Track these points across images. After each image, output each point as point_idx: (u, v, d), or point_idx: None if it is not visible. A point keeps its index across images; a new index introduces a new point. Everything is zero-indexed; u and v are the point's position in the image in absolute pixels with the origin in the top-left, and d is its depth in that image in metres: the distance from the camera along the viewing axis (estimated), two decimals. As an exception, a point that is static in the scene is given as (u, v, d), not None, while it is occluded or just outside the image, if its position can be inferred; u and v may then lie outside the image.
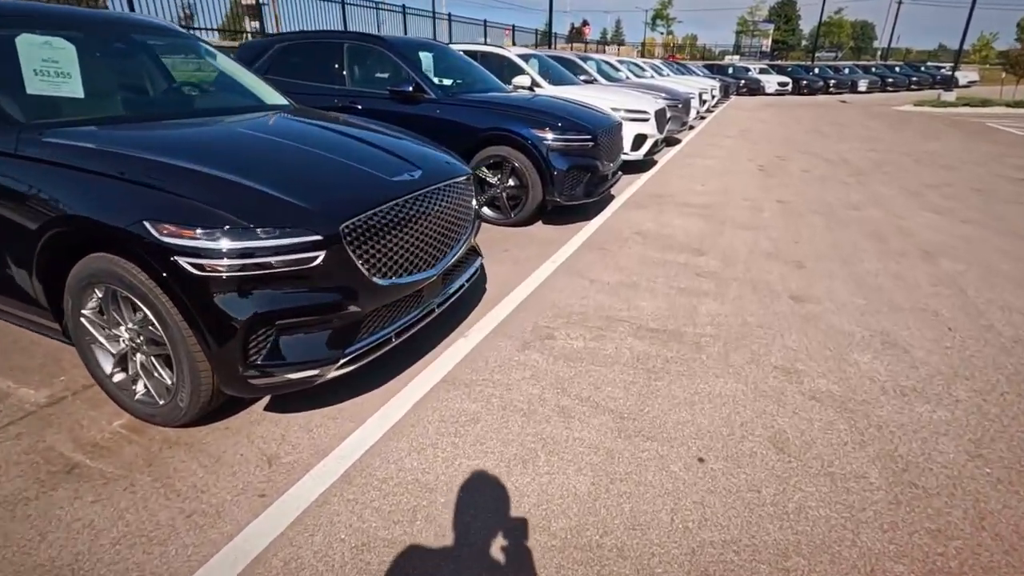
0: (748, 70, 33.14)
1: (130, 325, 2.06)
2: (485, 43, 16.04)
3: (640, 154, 7.33)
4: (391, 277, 2.24)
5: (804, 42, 76.45)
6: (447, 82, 5.72)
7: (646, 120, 7.24)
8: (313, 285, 1.98)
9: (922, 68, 40.23)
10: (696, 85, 14.40)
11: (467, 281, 2.92)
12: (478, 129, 4.78)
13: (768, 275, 4.03)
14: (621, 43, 65.39)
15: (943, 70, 40.51)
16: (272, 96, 3.50)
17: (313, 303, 2.00)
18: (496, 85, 6.04)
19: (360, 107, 5.11)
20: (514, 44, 25.29)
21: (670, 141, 10.56)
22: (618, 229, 5.07)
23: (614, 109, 7.03)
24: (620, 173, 5.88)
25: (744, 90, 31.06)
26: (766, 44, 67.16)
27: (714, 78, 21.83)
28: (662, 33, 62.86)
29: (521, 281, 3.79)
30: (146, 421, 2.19)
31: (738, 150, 10.10)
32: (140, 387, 2.15)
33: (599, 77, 10.23)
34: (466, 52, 7.66)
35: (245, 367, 1.92)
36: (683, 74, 19.51)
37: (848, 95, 32.93)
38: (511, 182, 4.84)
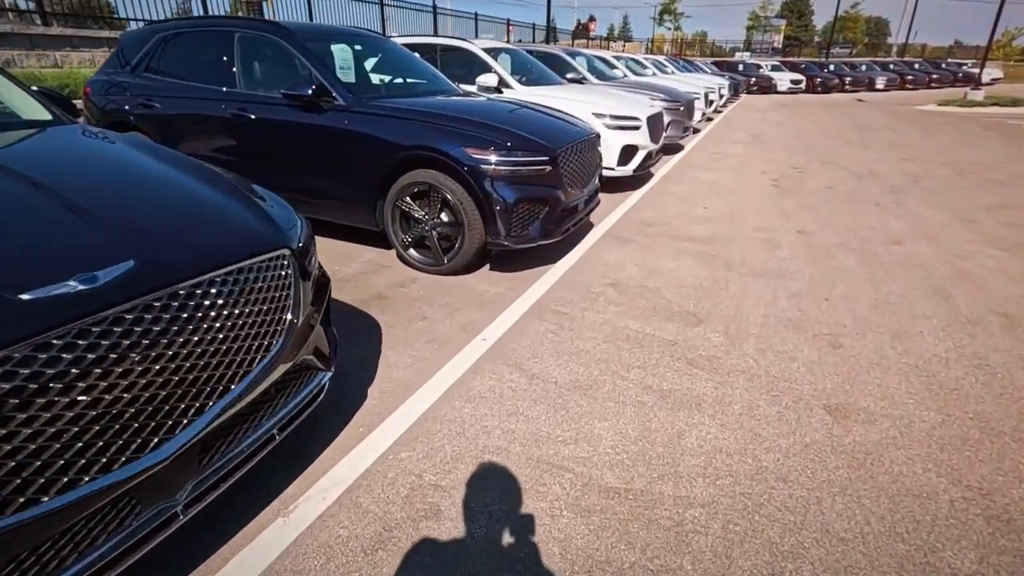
0: (759, 67, 31.65)
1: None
2: (474, 39, 14.83)
3: (629, 169, 6.08)
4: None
5: (817, 38, 74.47)
6: (375, 82, 4.50)
7: (637, 128, 5.98)
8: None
9: (942, 65, 38.47)
10: (702, 84, 13.08)
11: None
12: (398, 147, 3.56)
13: (791, 363, 2.78)
14: (628, 39, 63.73)
15: (965, 67, 38.80)
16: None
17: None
18: (444, 87, 4.81)
19: (252, 116, 3.91)
20: (508, 40, 23.99)
21: (670, 149, 9.28)
22: (588, 279, 3.83)
23: (597, 115, 5.79)
24: (598, 198, 4.64)
25: (755, 88, 29.60)
26: (778, 40, 65.30)
27: (723, 76, 20.46)
28: (669, 29, 61.29)
29: (421, 384, 2.56)
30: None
31: (749, 159, 8.80)
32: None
33: (589, 75, 8.96)
34: (420, 45, 6.44)
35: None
36: (689, 72, 18.16)
37: (865, 93, 31.34)
38: (443, 217, 3.63)
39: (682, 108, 8.70)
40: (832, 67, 33.36)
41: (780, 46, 64.49)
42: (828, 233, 4.97)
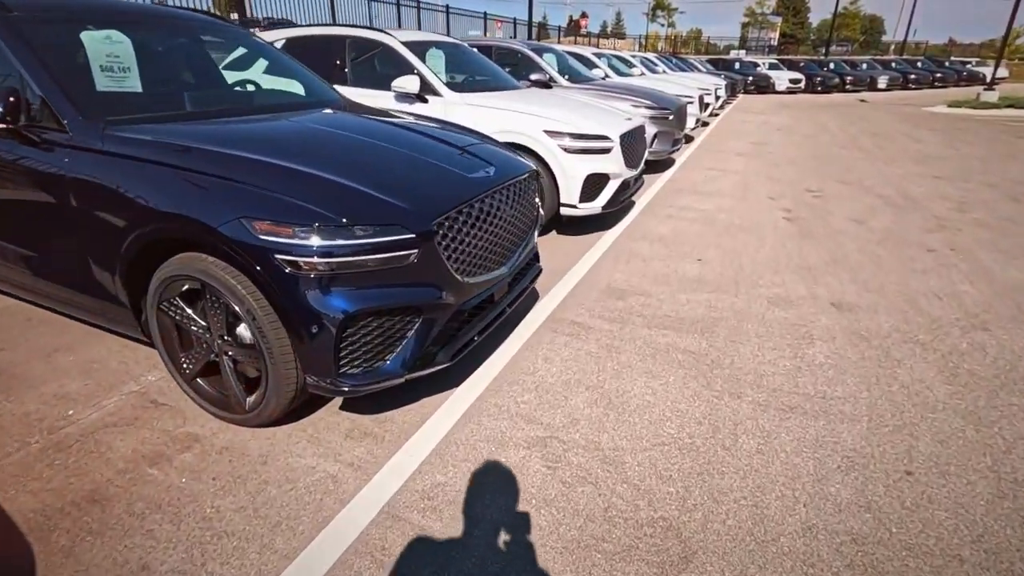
0: (756, 65, 30.14)
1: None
2: (447, 34, 13.30)
3: (597, 206, 4.49)
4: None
5: (812, 36, 73.07)
6: (131, 93, 2.89)
7: (606, 150, 4.40)
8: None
9: (946, 63, 37.07)
10: (696, 85, 11.52)
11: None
12: (140, 217, 1.98)
13: None
14: (621, 36, 62.08)
15: (969, 65, 37.46)
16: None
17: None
18: (314, 99, 3.23)
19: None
20: (486, 36, 22.37)
21: (658, 165, 7.72)
22: (503, 433, 2.25)
23: (552, 134, 4.22)
24: (537, 269, 3.05)
25: (752, 88, 28.09)
26: (773, 38, 63.84)
27: (719, 75, 18.91)
28: (663, 25, 59.77)
29: None
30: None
31: (752, 178, 7.24)
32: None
33: (560, 77, 7.37)
34: (313, 39, 4.87)
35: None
36: (683, 71, 16.62)
37: (866, 93, 29.88)
38: (239, 333, 2.04)
39: (672, 116, 7.13)
40: (832, 65, 31.87)
41: (776, 43, 63.03)
42: (878, 309, 3.42)
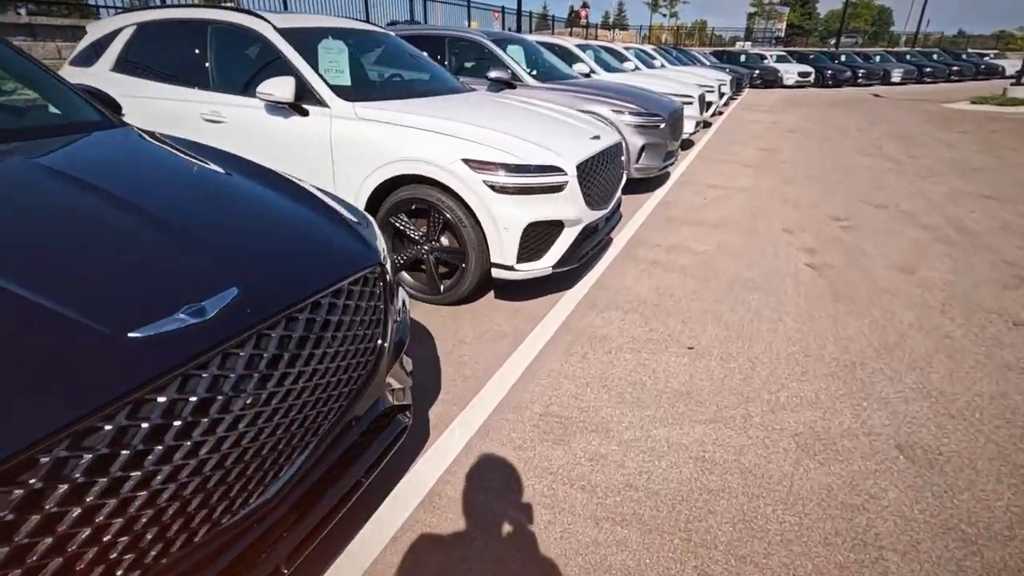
0: (763, 58, 28.58)
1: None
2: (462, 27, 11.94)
3: (543, 265, 3.10)
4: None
5: (820, 27, 71.07)
6: None
7: (557, 188, 3.04)
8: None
9: (963, 56, 35.35)
10: (697, 81, 10.13)
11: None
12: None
13: None
14: (624, 27, 60.24)
15: (987, 58, 35.79)
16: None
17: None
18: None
19: None
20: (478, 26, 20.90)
21: (646, 184, 6.36)
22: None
23: (474, 164, 2.90)
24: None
25: (759, 82, 26.58)
26: (780, 29, 61.90)
27: (723, 69, 17.45)
28: (664, 15, 57.99)
29: None
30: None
31: (763, 199, 5.89)
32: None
33: (526, 75, 6.01)
34: (148, 24, 3.56)
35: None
36: (684, 64, 15.20)
37: (880, 87, 28.32)
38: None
39: (664, 124, 5.77)
40: (843, 58, 30.26)
41: (783, 35, 61.08)
42: (974, 463, 2.09)
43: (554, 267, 3.12)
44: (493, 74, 5.43)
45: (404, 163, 2.98)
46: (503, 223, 2.89)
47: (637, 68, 10.55)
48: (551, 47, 7.69)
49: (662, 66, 12.60)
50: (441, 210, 2.98)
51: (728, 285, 3.72)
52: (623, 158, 4.07)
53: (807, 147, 9.35)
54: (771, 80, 26.83)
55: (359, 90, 3.50)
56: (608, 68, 9.11)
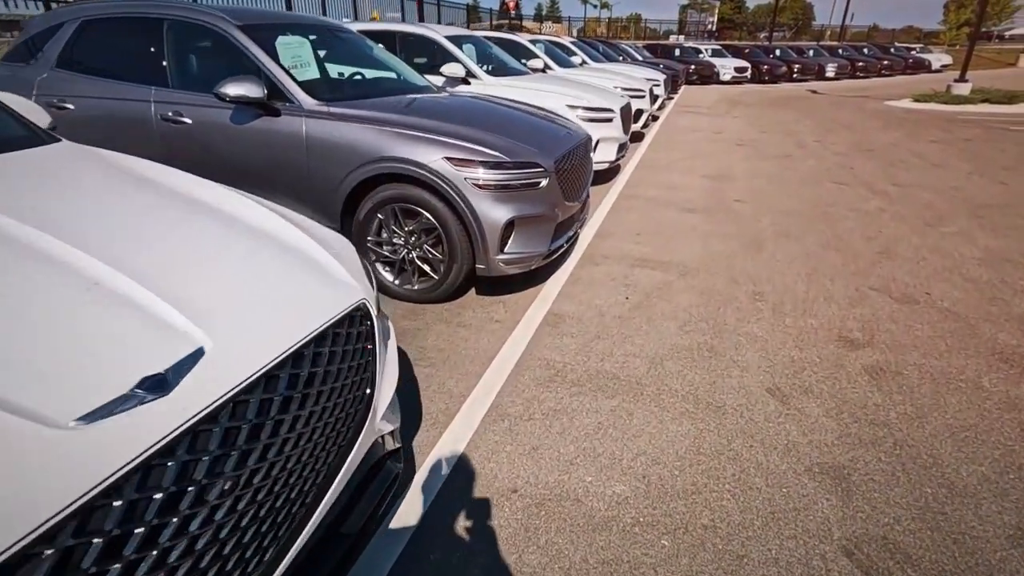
0: (699, 52, 27.05)
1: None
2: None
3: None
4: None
5: (748, 21, 71.75)
6: None
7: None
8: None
9: (891, 50, 35.25)
10: (627, 82, 7.83)
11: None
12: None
13: None
14: (557, 20, 58.17)
15: (914, 52, 35.90)
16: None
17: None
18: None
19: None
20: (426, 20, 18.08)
21: (538, 272, 3.89)
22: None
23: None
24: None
25: (695, 78, 24.95)
26: (712, 22, 61.75)
27: (658, 66, 15.35)
28: (596, 7, 56.50)
29: None
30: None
31: (720, 300, 3.56)
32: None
33: (302, 91, 3.40)
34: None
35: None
36: (612, 61, 12.97)
37: (815, 82, 27.37)
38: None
39: (546, 182, 3.29)
40: (778, 52, 29.19)
41: (714, 28, 60.89)
42: None
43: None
44: (229, 91, 2.86)
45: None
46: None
47: (547, 69, 8.11)
48: (363, 38, 5.01)
49: (582, 64, 10.25)
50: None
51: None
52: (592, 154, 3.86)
53: (764, 171, 7.20)
54: (708, 76, 25.25)
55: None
56: (503, 72, 6.59)
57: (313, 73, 3.62)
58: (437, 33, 5.74)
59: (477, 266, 3.03)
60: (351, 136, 2.99)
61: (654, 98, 10.10)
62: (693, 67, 24.73)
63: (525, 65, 7.47)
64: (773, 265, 4.06)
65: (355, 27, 5.55)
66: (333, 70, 4.05)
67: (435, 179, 2.90)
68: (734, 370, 2.73)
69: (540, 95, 5.50)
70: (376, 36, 5.64)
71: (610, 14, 58.51)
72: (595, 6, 55.38)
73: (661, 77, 11.24)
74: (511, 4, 42.82)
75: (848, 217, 5.27)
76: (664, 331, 3.08)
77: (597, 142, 5.58)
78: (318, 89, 3.28)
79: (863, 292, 3.64)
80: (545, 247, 3.15)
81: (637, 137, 9.48)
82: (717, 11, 59.96)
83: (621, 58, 15.79)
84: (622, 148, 6.06)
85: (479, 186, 2.88)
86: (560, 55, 9.42)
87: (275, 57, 3.19)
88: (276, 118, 3.07)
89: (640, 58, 17.97)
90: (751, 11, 76.15)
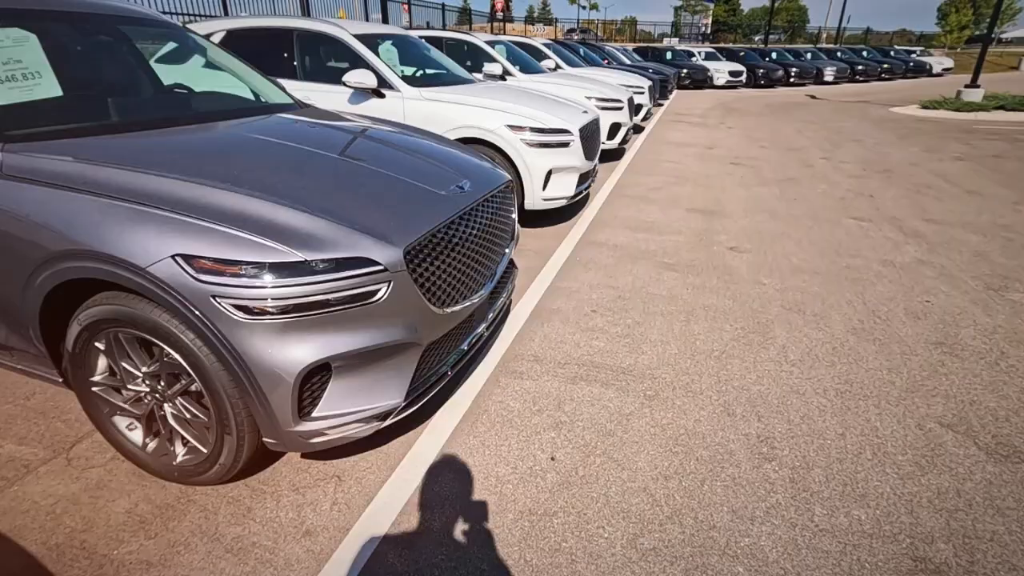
0: (691, 55, 25.84)
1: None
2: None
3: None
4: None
5: (743, 24, 70.70)
6: None
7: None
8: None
9: (891, 53, 34.10)
10: (600, 95, 6.47)
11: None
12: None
13: None
14: (549, 22, 56.92)
15: (914, 55, 34.84)
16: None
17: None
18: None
19: None
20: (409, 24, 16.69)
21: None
22: None
23: None
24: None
25: (688, 82, 23.70)
26: (707, 24, 60.67)
27: (646, 70, 14.03)
28: (584, 7, 55.34)
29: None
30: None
31: (701, 411, 2.22)
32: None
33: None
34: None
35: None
36: (592, 67, 11.67)
37: (813, 86, 26.19)
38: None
39: (435, 259, 1.97)
40: (774, 55, 27.99)
41: (709, 31, 59.75)
42: None
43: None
44: None
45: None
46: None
47: (506, 77, 6.77)
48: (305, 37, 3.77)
49: (555, 69, 8.91)
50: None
51: None
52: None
53: (765, 202, 5.88)
54: (700, 80, 24.00)
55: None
56: (453, 81, 5.22)
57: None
58: (343, 30, 4.42)
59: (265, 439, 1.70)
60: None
61: (636, 108, 8.77)
62: (685, 71, 23.48)
63: (478, 72, 6.13)
64: (786, 377, 2.72)
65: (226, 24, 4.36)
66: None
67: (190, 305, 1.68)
68: None
69: (473, 114, 4.19)
70: (266, 35, 4.60)
71: (600, 16, 57.32)
72: (584, 7, 54.20)
73: (646, 84, 9.89)
74: (499, 5, 41.54)
75: (881, 276, 3.94)
76: (604, 551, 1.74)
77: (549, 172, 4.24)
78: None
79: (931, 435, 2.30)
80: (401, 402, 1.83)
81: (616, 155, 8.14)
82: (711, 13, 58.85)
83: (606, 61, 14.49)
84: (585, 178, 4.71)
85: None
86: (526, 59, 8.07)
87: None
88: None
89: (628, 61, 16.67)
90: (746, 14, 75.14)
